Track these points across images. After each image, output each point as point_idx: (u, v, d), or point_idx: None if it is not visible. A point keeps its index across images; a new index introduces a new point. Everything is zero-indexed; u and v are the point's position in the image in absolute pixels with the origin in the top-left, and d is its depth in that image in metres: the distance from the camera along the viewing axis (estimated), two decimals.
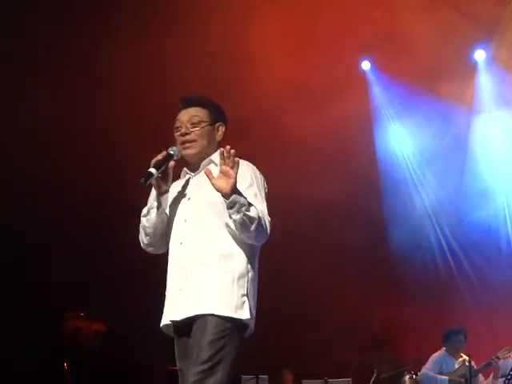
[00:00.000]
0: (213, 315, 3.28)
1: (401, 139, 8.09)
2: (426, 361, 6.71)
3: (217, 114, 3.62)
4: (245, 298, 3.38)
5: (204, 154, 3.56)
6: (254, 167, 3.55)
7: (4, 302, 6.37)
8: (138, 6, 6.60)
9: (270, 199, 3.44)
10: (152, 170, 3.40)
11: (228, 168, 3.28)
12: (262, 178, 3.55)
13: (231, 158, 3.28)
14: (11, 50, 6.31)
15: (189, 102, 3.61)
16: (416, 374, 6.48)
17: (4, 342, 6.28)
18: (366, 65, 7.92)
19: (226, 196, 3.28)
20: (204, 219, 3.43)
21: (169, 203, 3.57)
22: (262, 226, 3.35)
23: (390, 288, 7.37)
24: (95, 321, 6.26)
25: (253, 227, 3.33)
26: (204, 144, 3.54)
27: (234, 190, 3.29)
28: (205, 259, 3.39)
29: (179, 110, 3.60)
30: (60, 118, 6.35)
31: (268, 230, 3.40)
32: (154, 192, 3.51)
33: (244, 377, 6.37)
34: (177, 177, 3.65)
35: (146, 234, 3.56)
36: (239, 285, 3.39)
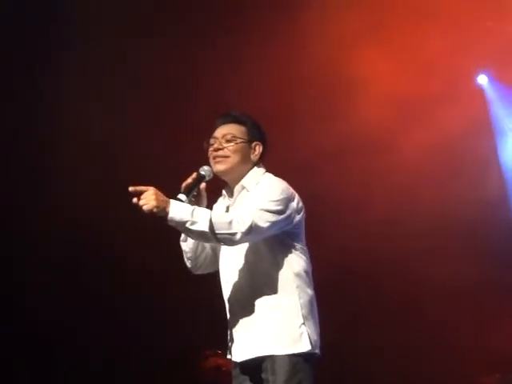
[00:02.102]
0: (274, 356, 3.17)
1: None
2: None
3: (255, 133, 3.47)
4: (302, 329, 3.23)
5: (237, 173, 3.41)
6: (284, 184, 3.36)
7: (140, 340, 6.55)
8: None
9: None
10: (181, 196, 3.23)
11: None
12: (291, 194, 3.34)
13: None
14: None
15: (227, 118, 3.48)
16: None
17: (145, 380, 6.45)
18: (482, 78, 7.69)
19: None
20: (242, 253, 3.30)
21: None
22: (217, 233, 3.08)
23: None
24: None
25: (211, 239, 3.11)
26: (236, 161, 3.38)
27: (165, 210, 3.03)
28: (251, 299, 3.28)
29: (216, 127, 3.48)
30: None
31: (236, 235, 3.10)
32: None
33: None
34: (219, 194, 3.52)
35: (188, 259, 3.47)
36: (293, 316, 3.25)
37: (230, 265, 3.36)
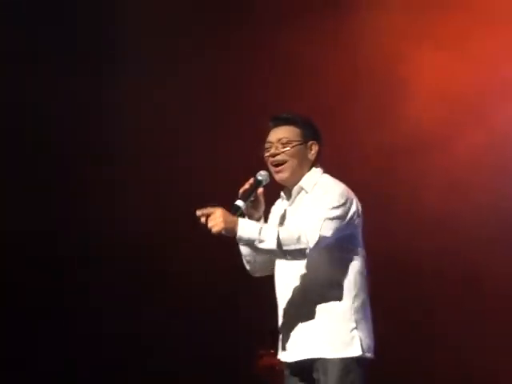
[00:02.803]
0: (326, 359, 3.20)
1: None
2: None
3: (309, 132, 3.46)
4: (354, 333, 3.25)
5: (298, 176, 3.40)
6: (343, 186, 3.38)
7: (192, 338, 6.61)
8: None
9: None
10: (239, 202, 3.26)
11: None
12: (350, 196, 3.35)
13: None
14: None
15: (279, 121, 3.47)
16: None
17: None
18: None
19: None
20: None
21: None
22: (285, 250, 3.13)
23: None
24: None
25: (280, 255, 3.17)
26: (295, 165, 3.38)
27: (234, 230, 3.09)
28: (305, 301, 3.31)
29: (269, 130, 3.48)
30: None
31: (306, 249, 3.15)
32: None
33: None
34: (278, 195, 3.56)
35: (247, 262, 3.52)
36: (345, 320, 3.28)
37: (287, 267, 3.38)
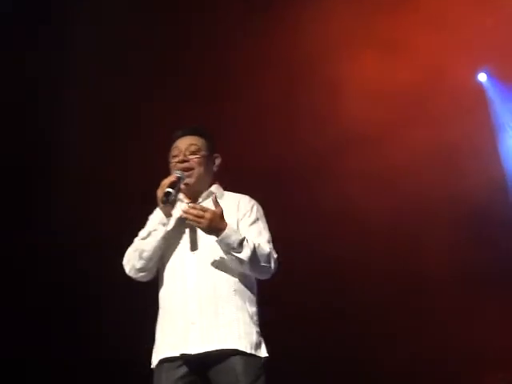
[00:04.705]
0: (238, 352, 3.26)
1: None
2: None
3: (213, 146, 3.64)
4: (261, 337, 3.39)
5: (202, 184, 3.56)
6: (256, 202, 3.60)
7: None
8: None
9: None
10: (170, 189, 3.39)
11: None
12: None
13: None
14: None
15: (187, 131, 3.63)
16: None
17: None
18: (482, 77, 7.62)
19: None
20: (214, 252, 3.38)
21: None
22: (259, 265, 3.35)
23: None
24: None
25: (245, 267, 3.34)
26: (202, 172, 3.54)
27: (220, 230, 3.28)
28: (220, 294, 3.36)
29: (175, 139, 3.63)
30: None
31: (272, 268, 3.42)
32: (159, 215, 3.47)
33: None
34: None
35: (141, 258, 3.47)
36: (254, 322, 3.39)
37: (195, 260, 3.44)
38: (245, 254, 3.29)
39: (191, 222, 3.31)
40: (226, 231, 3.30)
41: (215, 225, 3.29)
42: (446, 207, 6.57)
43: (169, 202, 3.39)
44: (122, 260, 3.57)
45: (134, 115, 6.44)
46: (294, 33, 6.49)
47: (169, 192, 3.38)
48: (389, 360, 6.33)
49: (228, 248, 3.29)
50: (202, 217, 3.27)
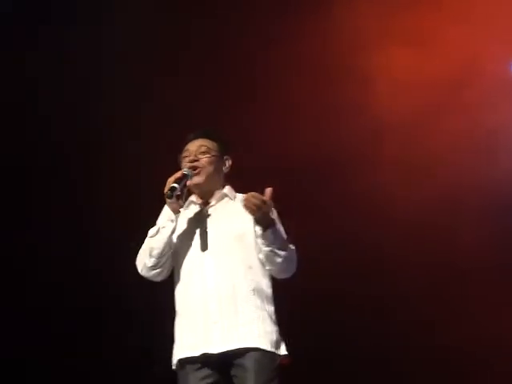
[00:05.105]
0: (258, 349, 3.32)
1: None
2: None
3: (225, 148, 3.74)
4: (280, 336, 3.45)
5: (212, 184, 3.63)
6: None
7: None
8: None
9: None
10: (175, 184, 3.46)
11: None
12: None
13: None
14: None
15: (198, 134, 3.74)
16: None
17: None
18: None
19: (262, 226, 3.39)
20: (232, 252, 3.45)
21: (177, 233, 3.54)
22: (290, 264, 3.46)
23: None
24: None
25: (278, 265, 3.41)
26: (211, 172, 3.62)
27: (269, 223, 3.37)
28: (239, 293, 3.41)
29: (187, 142, 3.73)
30: None
31: (295, 268, 3.51)
32: (167, 212, 3.50)
33: None
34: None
35: (151, 256, 3.50)
36: (273, 321, 3.48)
37: (213, 260, 3.46)
38: (285, 252, 3.40)
39: (248, 210, 3.35)
40: (278, 226, 3.43)
41: (268, 217, 3.37)
42: (482, 196, 6.49)
43: (174, 197, 3.43)
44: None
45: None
46: (323, 32, 6.45)
47: (174, 187, 3.44)
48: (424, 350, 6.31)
49: (273, 242, 3.36)
50: (260, 208, 3.32)
